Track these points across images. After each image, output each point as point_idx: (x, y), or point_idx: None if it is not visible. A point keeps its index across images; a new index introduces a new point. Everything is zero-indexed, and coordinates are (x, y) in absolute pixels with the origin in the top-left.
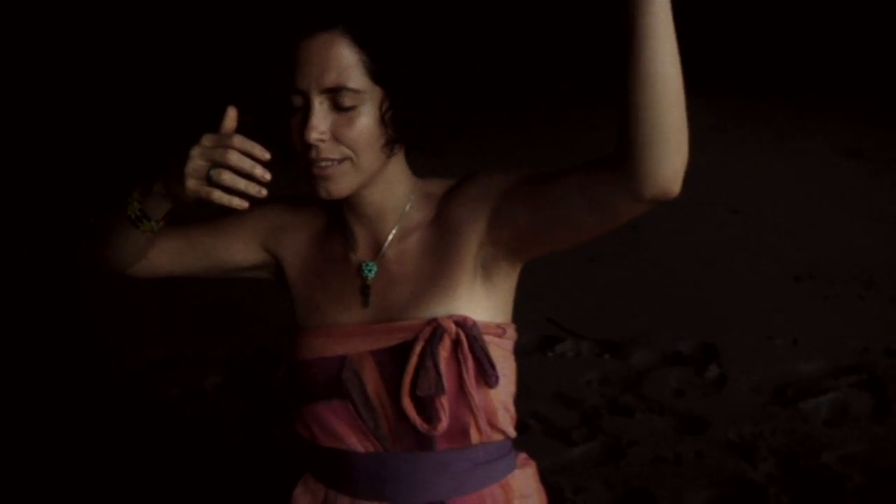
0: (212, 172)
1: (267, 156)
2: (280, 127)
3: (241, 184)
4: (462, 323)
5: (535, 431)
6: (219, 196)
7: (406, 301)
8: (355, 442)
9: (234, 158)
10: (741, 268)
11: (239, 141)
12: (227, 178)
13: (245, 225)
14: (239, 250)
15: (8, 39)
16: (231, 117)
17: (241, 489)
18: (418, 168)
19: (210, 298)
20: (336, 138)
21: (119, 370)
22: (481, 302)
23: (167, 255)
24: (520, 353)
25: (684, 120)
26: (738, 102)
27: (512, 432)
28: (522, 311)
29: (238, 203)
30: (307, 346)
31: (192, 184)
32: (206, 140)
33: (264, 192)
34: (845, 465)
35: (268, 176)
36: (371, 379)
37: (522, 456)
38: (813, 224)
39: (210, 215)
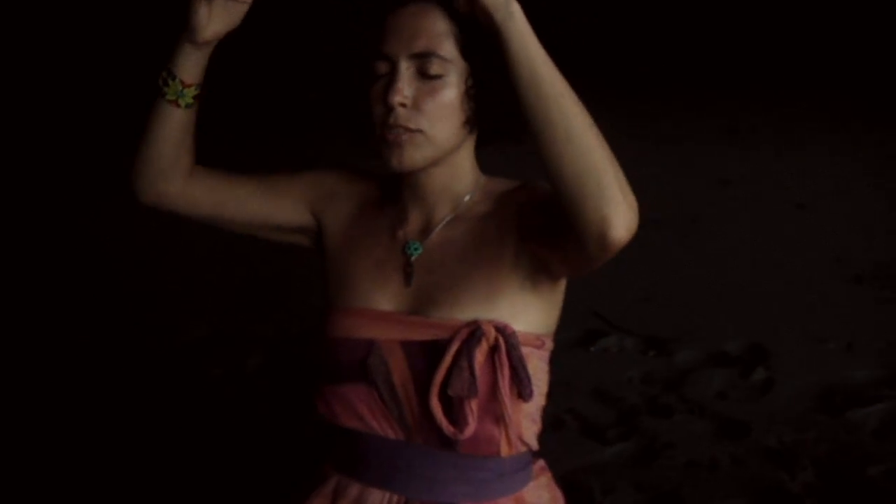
0: None
1: None
2: (357, 98)
3: None
4: (503, 329)
5: (571, 429)
6: None
7: (444, 296)
8: (377, 426)
9: None
10: (800, 265)
11: None
12: None
13: (299, 184)
14: (287, 208)
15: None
16: None
17: (268, 475)
18: (493, 153)
19: (258, 275)
20: (417, 106)
21: (165, 348)
22: (524, 311)
23: (207, 190)
24: (562, 346)
25: (595, 160)
26: (807, 94)
27: (535, 445)
28: (568, 303)
29: None
30: (336, 324)
31: None
32: None
33: None
34: (892, 479)
35: None
36: (398, 369)
37: (539, 464)
38: (881, 223)
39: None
